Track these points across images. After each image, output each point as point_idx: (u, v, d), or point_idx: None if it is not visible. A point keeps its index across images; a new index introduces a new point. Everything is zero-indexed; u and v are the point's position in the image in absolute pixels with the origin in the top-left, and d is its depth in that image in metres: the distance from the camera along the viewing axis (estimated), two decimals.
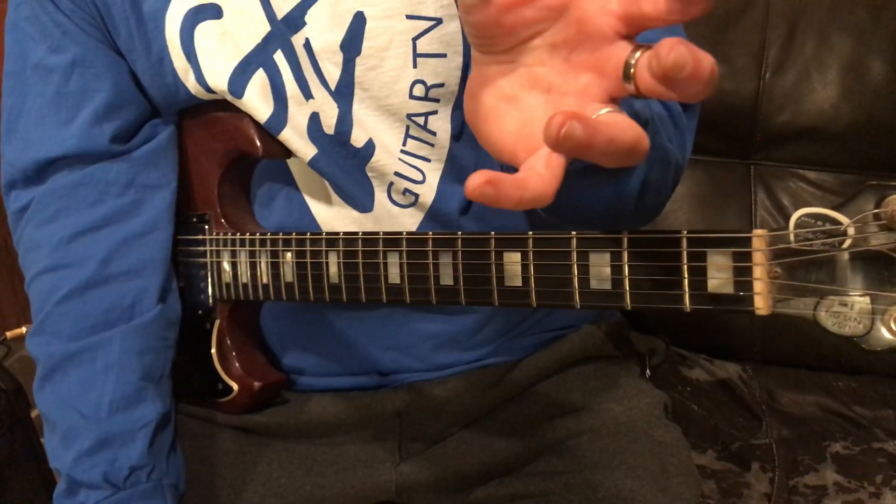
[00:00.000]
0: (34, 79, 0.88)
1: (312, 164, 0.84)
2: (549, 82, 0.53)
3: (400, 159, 0.85)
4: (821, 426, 1.21)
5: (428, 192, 0.86)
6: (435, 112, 0.84)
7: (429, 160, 0.86)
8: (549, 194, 0.49)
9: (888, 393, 1.26)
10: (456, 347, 0.94)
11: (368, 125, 0.84)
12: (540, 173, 0.49)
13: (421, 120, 0.84)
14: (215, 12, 0.83)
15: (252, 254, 0.86)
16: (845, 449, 1.15)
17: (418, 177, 0.86)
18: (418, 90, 0.82)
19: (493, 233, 0.69)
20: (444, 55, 0.81)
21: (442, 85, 0.82)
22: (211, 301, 0.92)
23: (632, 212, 0.77)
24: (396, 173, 0.85)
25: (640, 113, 0.66)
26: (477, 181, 0.47)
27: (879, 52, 1.28)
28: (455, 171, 0.87)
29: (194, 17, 0.83)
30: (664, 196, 0.83)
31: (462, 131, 0.86)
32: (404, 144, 0.85)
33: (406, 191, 0.86)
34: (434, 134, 0.85)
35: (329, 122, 0.84)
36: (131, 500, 0.84)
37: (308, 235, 0.81)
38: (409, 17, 0.80)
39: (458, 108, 0.84)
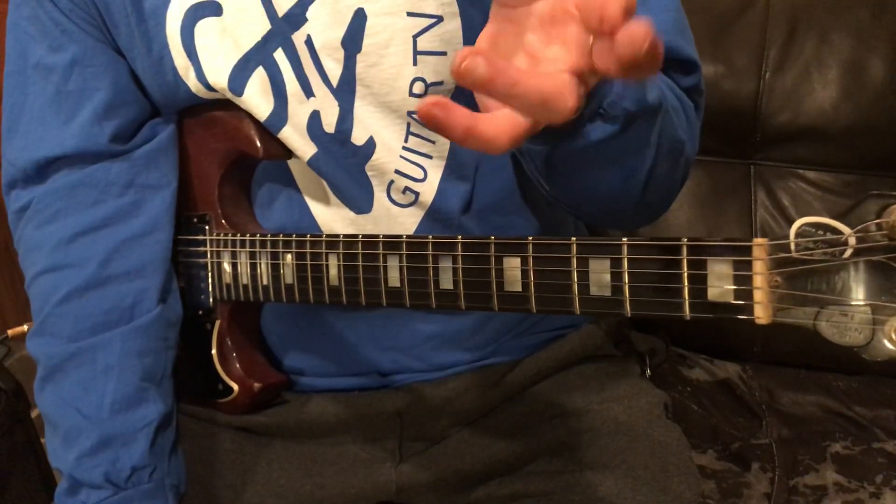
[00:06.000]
0: (34, 78, 0.88)
1: (312, 163, 0.84)
2: (534, 49, 0.55)
3: (401, 157, 0.85)
4: (821, 426, 1.21)
5: (428, 191, 0.86)
6: None
7: (430, 157, 0.86)
8: (497, 143, 0.52)
9: (888, 393, 1.27)
10: (456, 348, 0.94)
11: (369, 123, 0.84)
12: (497, 117, 0.52)
13: None
14: (215, 9, 0.83)
15: (252, 255, 0.86)
16: (845, 449, 1.15)
17: (419, 174, 0.86)
18: (418, 88, 0.82)
19: (493, 237, 0.69)
20: (444, 53, 0.81)
21: (441, 83, 0.82)
22: (211, 301, 0.92)
23: (636, 204, 0.77)
24: (397, 171, 0.85)
25: (650, 102, 0.67)
26: (427, 101, 0.50)
27: (879, 52, 1.28)
28: (457, 167, 0.87)
29: (194, 15, 0.83)
30: (671, 191, 0.83)
31: None
32: (406, 141, 0.85)
33: (406, 189, 0.86)
34: None
35: (330, 121, 0.83)
36: (133, 500, 0.84)
37: (308, 237, 0.81)
38: (409, 14, 0.80)
39: None
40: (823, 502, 1.06)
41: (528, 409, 0.95)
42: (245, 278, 0.87)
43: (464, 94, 0.83)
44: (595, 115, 0.65)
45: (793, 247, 0.52)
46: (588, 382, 0.97)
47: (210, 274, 0.91)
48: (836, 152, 1.33)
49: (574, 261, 0.63)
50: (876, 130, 1.29)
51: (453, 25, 0.80)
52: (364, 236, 0.77)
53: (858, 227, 0.50)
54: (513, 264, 0.67)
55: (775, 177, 1.37)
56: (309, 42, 0.82)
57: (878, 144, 1.30)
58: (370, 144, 0.84)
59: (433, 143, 0.85)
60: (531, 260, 0.66)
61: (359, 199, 0.86)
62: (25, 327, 1.07)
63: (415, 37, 0.80)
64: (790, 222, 0.53)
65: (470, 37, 0.80)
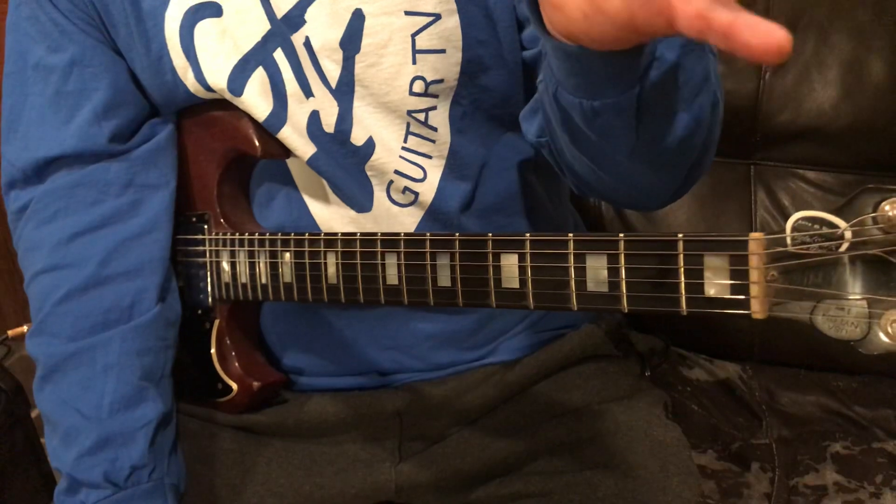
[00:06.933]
0: (34, 78, 0.88)
1: (311, 162, 0.84)
2: None
3: (401, 157, 0.85)
4: (821, 426, 1.20)
5: (428, 190, 0.86)
6: (434, 108, 0.84)
7: (430, 157, 0.86)
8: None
9: (888, 393, 1.26)
10: (456, 347, 0.94)
11: (368, 123, 0.84)
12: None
13: (421, 116, 0.84)
14: (215, 10, 0.84)
15: (251, 254, 0.86)
16: (845, 449, 1.15)
17: (419, 174, 0.86)
18: (418, 86, 0.82)
19: (490, 234, 0.69)
20: (443, 51, 0.81)
21: (441, 81, 0.82)
22: (210, 301, 0.92)
23: (699, 153, 0.74)
24: (396, 171, 0.85)
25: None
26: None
27: (879, 52, 1.28)
28: (457, 167, 0.87)
29: (194, 16, 0.84)
30: (712, 148, 0.77)
31: (464, 126, 0.86)
32: (405, 141, 0.85)
33: (406, 189, 0.86)
34: (435, 130, 0.85)
35: (329, 121, 0.84)
36: (132, 500, 0.84)
37: (306, 236, 0.81)
38: (407, 13, 0.80)
39: (456, 103, 0.84)
40: (823, 502, 1.06)
41: (528, 408, 0.95)
42: (244, 277, 0.87)
43: (466, 92, 0.84)
44: None
45: (789, 241, 0.52)
46: (588, 382, 0.97)
47: (209, 273, 0.92)
48: (835, 152, 1.33)
49: (571, 257, 0.63)
50: (876, 130, 1.29)
51: (452, 23, 0.80)
52: (362, 234, 0.77)
53: (854, 221, 0.50)
54: (510, 261, 0.67)
55: (775, 177, 1.37)
56: (307, 44, 0.82)
57: (878, 144, 1.30)
58: (369, 144, 0.84)
59: (433, 142, 0.85)
60: (528, 256, 0.66)
61: (359, 199, 0.86)
62: (25, 328, 1.07)
63: (413, 35, 0.81)
64: (790, 216, 0.52)
65: (468, 33, 0.80)
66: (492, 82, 0.84)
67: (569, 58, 0.61)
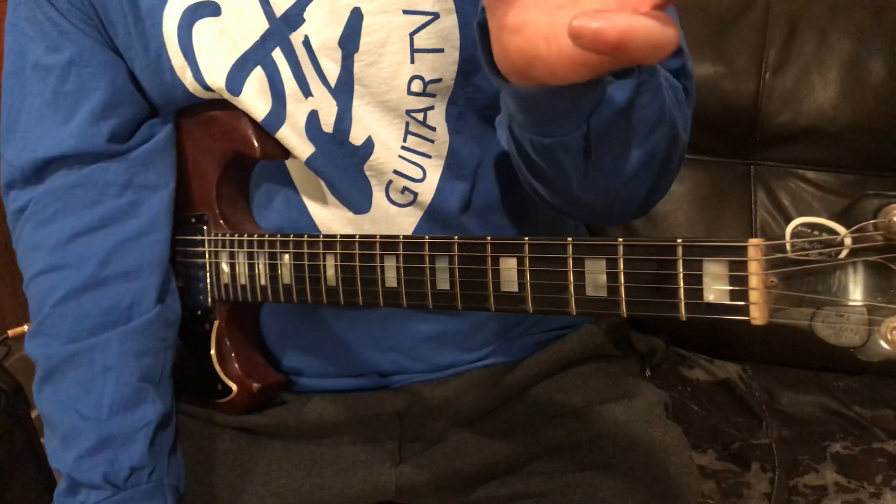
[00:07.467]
0: (33, 78, 0.88)
1: (310, 162, 0.84)
2: None
3: (400, 156, 0.85)
4: (821, 426, 1.21)
5: (427, 190, 0.86)
6: (432, 107, 0.84)
7: (429, 157, 0.86)
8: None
9: (888, 393, 1.26)
10: (456, 348, 0.94)
11: (368, 122, 0.84)
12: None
13: (420, 116, 0.84)
14: (213, 10, 0.83)
15: (250, 255, 0.86)
16: (845, 449, 1.15)
17: (418, 174, 0.86)
18: (416, 86, 0.82)
19: (489, 238, 0.68)
20: (441, 50, 0.81)
21: (439, 80, 0.82)
22: (210, 302, 0.92)
23: (650, 187, 0.76)
24: (395, 171, 0.85)
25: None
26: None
27: (879, 52, 1.28)
28: (456, 167, 0.87)
29: (192, 15, 0.83)
30: (671, 174, 0.80)
31: (459, 126, 0.86)
32: (405, 141, 0.85)
33: (405, 189, 0.86)
34: (434, 129, 0.85)
35: (328, 120, 0.83)
36: (132, 501, 0.84)
37: (305, 237, 0.81)
38: (405, 11, 0.80)
39: (452, 103, 0.84)
40: (823, 502, 1.06)
41: (528, 409, 0.95)
42: (243, 278, 0.87)
43: (462, 91, 0.84)
44: (612, 76, 0.63)
45: (788, 247, 0.52)
46: (588, 382, 0.97)
47: (208, 274, 0.91)
48: (836, 152, 1.33)
49: (570, 261, 0.63)
50: (876, 130, 1.29)
51: (449, 22, 0.80)
52: (361, 236, 0.77)
53: (854, 228, 0.50)
54: (509, 264, 0.67)
55: (775, 177, 1.37)
56: (307, 42, 0.82)
57: (878, 144, 1.30)
58: (368, 144, 0.84)
59: (432, 142, 0.85)
60: (527, 260, 0.66)
61: (357, 199, 0.86)
62: (26, 327, 1.07)
63: (411, 34, 0.80)
64: (790, 222, 0.52)
65: (466, 32, 0.80)
66: (483, 81, 0.83)
67: (515, 97, 0.63)
